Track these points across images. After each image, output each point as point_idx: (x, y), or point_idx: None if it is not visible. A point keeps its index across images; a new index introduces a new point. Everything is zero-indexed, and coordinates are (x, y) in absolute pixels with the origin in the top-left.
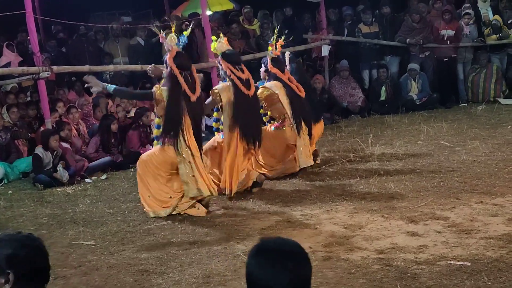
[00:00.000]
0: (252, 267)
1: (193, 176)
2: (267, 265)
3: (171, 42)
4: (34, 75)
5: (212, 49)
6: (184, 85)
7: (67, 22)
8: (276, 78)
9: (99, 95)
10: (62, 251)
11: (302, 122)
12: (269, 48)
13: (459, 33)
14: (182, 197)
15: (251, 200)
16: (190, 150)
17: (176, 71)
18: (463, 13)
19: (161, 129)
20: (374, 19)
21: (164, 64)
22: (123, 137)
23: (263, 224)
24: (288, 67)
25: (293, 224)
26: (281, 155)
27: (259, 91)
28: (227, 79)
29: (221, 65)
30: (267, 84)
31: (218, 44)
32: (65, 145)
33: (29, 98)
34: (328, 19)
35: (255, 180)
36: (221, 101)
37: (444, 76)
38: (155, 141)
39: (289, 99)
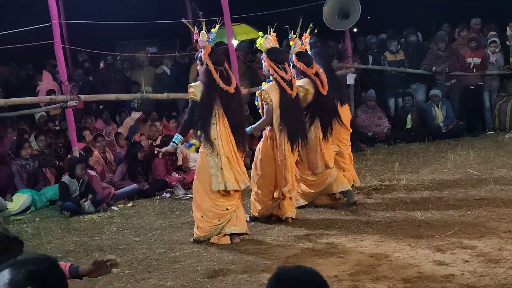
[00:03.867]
0: None
1: (221, 168)
2: None
3: (204, 38)
4: (62, 103)
5: (257, 45)
6: (219, 80)
7: (94, 51)
8: (302, 73)
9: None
10: (88, 279)
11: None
12: (291, 42)
13: (485, 61)
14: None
15: (276, 228)
16: (221, 141)
17: (212, 67)
18: (489, 41)
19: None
20: (399, 47)
21: (199, 61)
22: (150, 165)
23: (288, 253)
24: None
25: (319, 253)
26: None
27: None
28: (271, 77)
29: (264, 62)
30: (299, 82)
31: (264, 41)
32: (92, 172)
33: (58, 127)
34: (353, 47)
35: (287, 217)
36: (271, 102)
37: (470, 104)
38: (195, 140)
39: (314, 97)
